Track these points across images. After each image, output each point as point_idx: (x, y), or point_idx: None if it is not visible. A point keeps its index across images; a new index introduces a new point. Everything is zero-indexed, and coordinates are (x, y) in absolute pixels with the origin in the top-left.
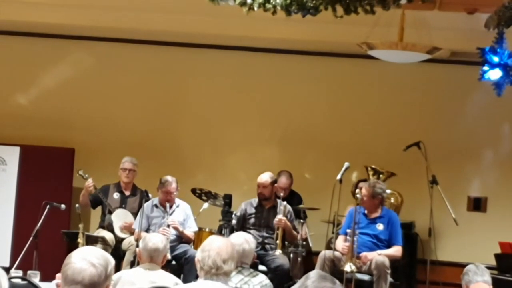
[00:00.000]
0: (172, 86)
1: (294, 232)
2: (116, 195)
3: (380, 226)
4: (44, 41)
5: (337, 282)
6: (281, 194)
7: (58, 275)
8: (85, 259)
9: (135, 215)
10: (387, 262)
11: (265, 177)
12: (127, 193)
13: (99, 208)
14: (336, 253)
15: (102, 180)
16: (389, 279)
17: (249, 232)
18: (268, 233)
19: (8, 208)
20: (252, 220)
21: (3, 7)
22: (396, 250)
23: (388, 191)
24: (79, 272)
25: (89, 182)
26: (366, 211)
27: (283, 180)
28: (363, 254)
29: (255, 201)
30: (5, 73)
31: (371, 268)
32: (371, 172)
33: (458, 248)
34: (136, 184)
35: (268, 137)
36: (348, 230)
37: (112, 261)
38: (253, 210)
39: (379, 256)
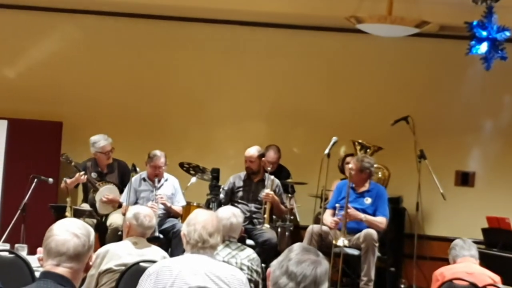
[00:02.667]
0: (160, 60)
1: (282, 207)
2: (94, 175)
3: (368, 200)
4: (31, 14)
5: (321, 254)
6: (269, 168)
7: (40, 249)
8: (68, 231)
9: (118, 188)
10: (375, 235)
11: (252, 151)
12: (105, 171)
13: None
14: (324, 228)
15: (89, 153)
16: (377, 252)
17: (237, 206)
18: (256, 207)
19: None
20: (240, 194)
21: None
22: (380, 221)
23: (375, 165)
24: (63, 244)
25: (84, 177)
26: (354, 185)
27: (271, 154)
28: (351, 210)
29: (243, 174)
30: None
31: (359, 241)
32: (358, 147)
33: (446, 223)
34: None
35: (256, 111)
36: (337, 205)
37: (92, 231)
38: (242, 184)
39: (367, 229)
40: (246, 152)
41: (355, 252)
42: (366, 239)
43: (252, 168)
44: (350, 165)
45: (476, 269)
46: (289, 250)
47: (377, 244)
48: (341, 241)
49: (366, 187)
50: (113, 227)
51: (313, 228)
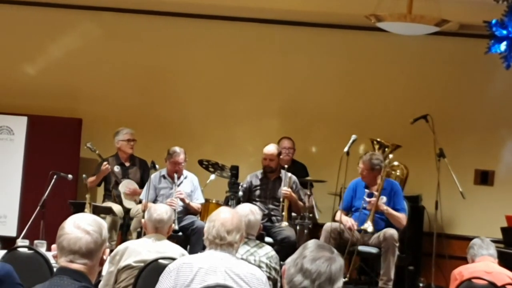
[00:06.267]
0: (179, 57)
1: (300, 203)
2: (116, 168)
3: (383, 199)
4: (51, 11)
5: (335, 251)
6: (286, 166)
7: (54, 246)
8: (79, 228)
9: (138, 185)
10: (396, 235)
11: (272, 149)
12: (127, 164)
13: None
14: (341, 225)
15: (109, 149)
16: (397, 252)
17: (255, 204)
18: (274, 204)
19: (15, 177)
20: (257, 192)
21: None
22: (402, 217)
23: (395, 163)
24: (75, 242)
25: (107, 165)
26: (367, 185)
27: (285, 143)
28: (374, 200)
29: (260, 173)
30: (12, 43)
31: (380, 240)
32: (376, 146)
33: (465, 222)
34: (133, 154)
35: (275, 109)
36: (367, 191)
37: (104, 225)
38: (259, 182)
39: (388, 229)
40: (265, 150)
41: (373, 250)
42: (386, 238)
43: (272, 166)
44: (359, 165)
45: (494, 268)
46: (304, 248)
47: (397, 244)
48: (368, 225)
49: (379, 185)
50: (138, 218)
51: (331, 225)
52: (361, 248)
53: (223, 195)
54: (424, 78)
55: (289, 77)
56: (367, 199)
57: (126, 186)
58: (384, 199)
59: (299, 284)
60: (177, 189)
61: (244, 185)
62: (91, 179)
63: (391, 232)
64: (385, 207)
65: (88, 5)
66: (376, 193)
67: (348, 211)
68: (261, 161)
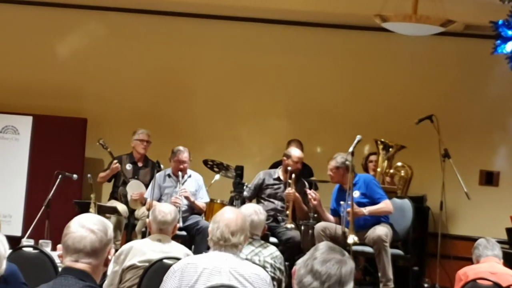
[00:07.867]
0: (184, 57)
1: (304, 206)
2: (128, 166)
3: (356, 194)
4: (57, 10)
5: (346, 253)
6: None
7: (59, 246)
8: (84, 227)
9: (147, 186)
10: (383, 235)
11: (300, 152)
12: (140, 164)
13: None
14: (330, 225)
15: (114, 150)
16: (389, 250)
17: (263, 203)
18: (282, 206)
19: (20, 177)
20: (268, 191)
21: None
22: (384, 205)
23: (399, 163)
24: (80, 241)
25: (117, 164)
26: (342, 185)
27: (297, 154)
28: (349, 210)
29: (275, 172)
30: (18, 42)
31: (370, 243)
32: (380, 146)
33: (470, 222)
34: (147, 156)
35: (280, 109)
36: (342, 202)
37: (110, 225)
38: (271, 182)
39: (374, 229)
40: (294, 153)
41: (367, 249)
42: (375, 241)
43: (300, 169)
44: (329, 166)
45: (499, 269)
46: (315, 249)
47: (387, 243)
48: (351, 239)
49: (350, 191)
50: (143, 221)
51: (318, 227)
52: (356, 248)
53: (228, 195)
54: (429, 78)
55: (294, 77)
56: (346, 211)
57: (134, 189)
58: (357, 193)
59: (309, 285)
60: (182, 187)
61: (255, 181)
62: (102, 174)
63: (378, 233)
64: (363, 211)
65: (94, 5)
66: (349, 203)
67: (338, 216)
68: (266, 161)
